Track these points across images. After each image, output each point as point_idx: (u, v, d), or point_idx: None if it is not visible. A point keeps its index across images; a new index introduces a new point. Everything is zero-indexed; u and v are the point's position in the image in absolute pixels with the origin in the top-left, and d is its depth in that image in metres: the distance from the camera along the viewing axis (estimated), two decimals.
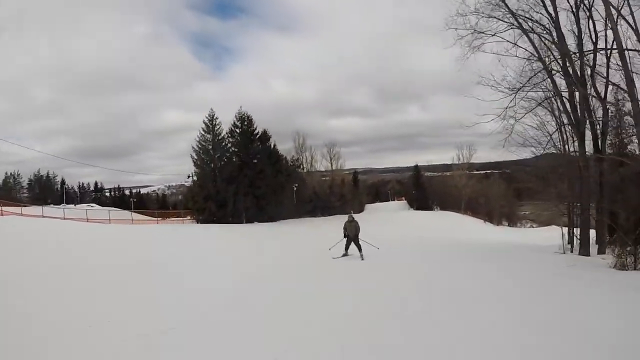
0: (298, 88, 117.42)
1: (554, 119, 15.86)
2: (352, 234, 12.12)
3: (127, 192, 64.98)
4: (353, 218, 12.64)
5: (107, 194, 64.26)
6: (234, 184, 33.77)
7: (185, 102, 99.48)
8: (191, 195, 36.08)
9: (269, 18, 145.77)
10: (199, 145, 35.62)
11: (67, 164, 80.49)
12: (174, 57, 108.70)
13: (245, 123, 37.06)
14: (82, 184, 62.36)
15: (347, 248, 12.18)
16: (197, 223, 33.38)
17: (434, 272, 9.60)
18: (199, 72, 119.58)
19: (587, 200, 13.71)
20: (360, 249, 12.00)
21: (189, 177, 37.17)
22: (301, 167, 44.74)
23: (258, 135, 37.45)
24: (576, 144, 14.59)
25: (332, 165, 49.95)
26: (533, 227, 50.42)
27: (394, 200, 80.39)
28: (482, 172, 63.21)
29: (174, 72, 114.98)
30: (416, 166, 66.16)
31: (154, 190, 74.84)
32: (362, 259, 11.65)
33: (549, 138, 15.77)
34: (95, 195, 62.55)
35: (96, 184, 63.32)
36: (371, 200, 72.36)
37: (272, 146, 38.10)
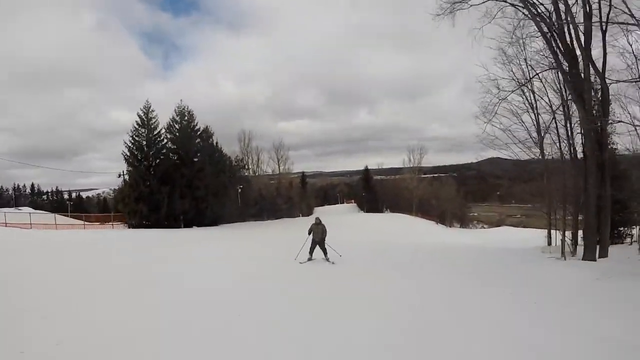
0: (247, 89, 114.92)
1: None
2: (317, 238, 11.61)
3: (66, 195, 59.54)
4: (320, 221, 11.90)
5: (45, 198, 58.41)
6: (170, 184, 30.46)
7: (132, 100, 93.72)
8: (121, 197, 32.03)
9: (220, 16, 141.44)
10: (132, 141, 31.69)
11: (5, 164, 71.62)
12: (122, 52, 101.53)
13: (186, 118, 33.86)
14: (18, 185, 56.25)
15: (311, 252, 11.65)
16: (129, 228, 29.78)
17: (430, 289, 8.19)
18: (148, 70, 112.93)
19: (591, 195, 12.13)
20: (325, 253, 11.59)
21: (119, 175, 32.97)
22: (247, 168, 42.17)
23: (199, 132, 34.40)
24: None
25: (279, 168, 47.98)
26: (484, 227, 51.87)
27: (343, 203, 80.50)
28: (431, 175, 64.80)
29: (122, 68, 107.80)
30: (366, 168, 66.35)
31: (98, 194, 70.07)
32: (332, 262, 11.22)
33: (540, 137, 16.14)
34: (32, 198, 57.05)
35: (33, 186, 57.31)
36: (320, 203, 71.51)
37: (214, 144, 35.24)
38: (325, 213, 60.48)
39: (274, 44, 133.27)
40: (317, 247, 11.60)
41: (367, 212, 59.59)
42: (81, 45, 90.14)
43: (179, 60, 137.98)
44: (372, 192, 63.56)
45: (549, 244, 16.27)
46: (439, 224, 47.91)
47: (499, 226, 52.18)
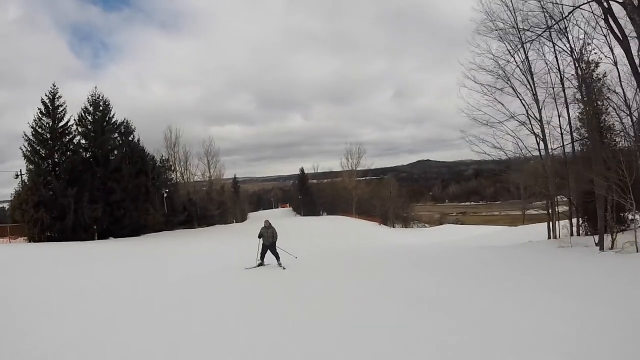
0: (178, 92, 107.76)
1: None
2: (268, 242, 11.20)
3: None
4: (270, 224, 11.44)
5: None
6: (78, 186, 25.31)
7: None
8: (18, 203, 25.86)
9: (153, 14, 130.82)
10: (34, 133, 25.77)
11: None
12: (48, 48, 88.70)
13: (101, 109, 28.74)
14: None
15: (262, 257, 11.25)
16: (30, 242, 24.20)
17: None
18: (74, 69, 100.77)
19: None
20: (278, 258, 11.19)
21: (16, 176, 26.88)
22: (173, 170, 37.60)
23: (116, 125, 29.50)
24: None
25: (209, 170, 43.72)
26: (425, 226, 52.55)
27: (277, 207, 78.14)
28: (363, 178, 64.80)
29: (46, 66, 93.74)
30: (302, 170, 64.43)
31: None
32: (284, 268, 10.82)
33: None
34: None
35: None
36: (254, 209, 68.43)
37: (135, 140, 30.57)
38: (261, 218, 57.58)
39: (207, 47, 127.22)
40: (268, 253, 11.11)
41: (304, 215, 57.93)
42: (4, 40, 76.49)
43: (107, 60, 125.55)
44: (308, 194, 62.00)
45: (553, 236, 15.42)
46: (382, 225, 47.50)
47: (441, 224, 53.52)
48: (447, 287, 7.54)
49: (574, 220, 15.29)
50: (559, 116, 15.29)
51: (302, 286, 8.36)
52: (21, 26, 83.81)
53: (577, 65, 13.78)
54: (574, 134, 14.91)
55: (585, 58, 13.48)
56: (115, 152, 28.70)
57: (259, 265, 11.15)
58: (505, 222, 54.38)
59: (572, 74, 14.31)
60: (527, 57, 15.45)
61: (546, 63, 15.24)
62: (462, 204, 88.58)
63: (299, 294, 7.55)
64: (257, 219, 55.05)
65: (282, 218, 54.70)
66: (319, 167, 64.74)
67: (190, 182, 39.80)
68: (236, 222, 50.03)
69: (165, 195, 32.39)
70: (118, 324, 5.65)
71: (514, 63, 15.63)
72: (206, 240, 24.95)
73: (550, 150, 15.64)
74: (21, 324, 5.71)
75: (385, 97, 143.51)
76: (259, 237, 11.31)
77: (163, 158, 35.81)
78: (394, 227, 50.20)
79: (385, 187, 55.30)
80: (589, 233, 14.02)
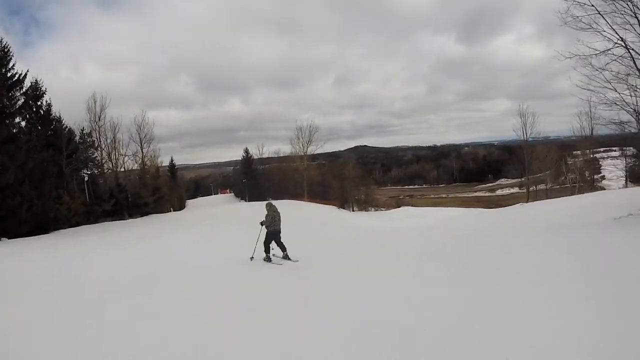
0: (114, 74, 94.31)
1: None
2: (277, 228, 8.94)
3: None
4: (275, 207, 9.06)
5: None
6: None
7: None
8: None
9: None
10: None
11: None
12: None
13: None
14: None
15: (268, 249, 8.96)
16: None
17: None
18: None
19: None
20: (284, 248, 9.00)
21: None
22: (98, 147, 29.28)
23: (18, 81, 21.07)
24: None
25: (142, 150, 35.27)
26: (382, 210, 49.70)
27: (217, 194, 71.08)
28: (316, 162, 60.26)
29: None
30: (246, 152, 57.50)
31: None
32: (297, 260, 8.71)
33: None
34: None
35: None
36: (191, 196, 60.69)
37: (46, 104, 22.40)
38: (200, 205, 50.74)
39: (148, 26, 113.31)
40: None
41: (249, 200, 51.91)
42: None
43: (38, 38, 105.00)
44: (253, 178, 55.89)
45: None
46: (340, 209, 43.42)
47: (399, 207, 51.16)
48: None
49: None
50: None
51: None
52: None
53: None
54: None
55: None
56: (13, 116, 20.47)
57: (268, 259, 8.91)
58: (456, 204, 54.29)
59: None
60: None
61: None
62: (406, 187, 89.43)
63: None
64: (196, 207, 48.47)
65: (223, 205, 48.71)
66: (264, 150, 58.07)
67: (119, 164, 31.64)
68: (174, 211, 42.77)
69: (86, 178, 24.60)
70: None
71: None
72: (142, 235, 18.68)
73: None
74: None
75: (328, 82, 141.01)
76: (263, 224, 9.04)
77: (84, 132, 27.39)
78: (353, 210, 46.64)
79: (343, 167, 51.20)
80: None
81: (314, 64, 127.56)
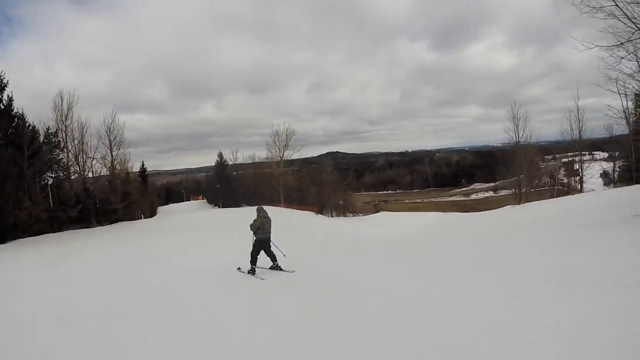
0: (86, 75, 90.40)
1: None
2: (266, 235, 8.17)
3: None
4: (266, 212, 8.36)
5: None
6: None
7: None
8: None
9: None
10: None
11: None
12: None
13: None
14: None
15: (255, 260, 8.16)
16: None
17: None
18: None
19: None
20: (275, 258, 8.27)
21: None
22: (64, 149, 27.08)
23: None
24: None
25: (112, 155, 32.99)
26: (360, 215, 49.27)
27: (190, 200, 68.61)
28: (292, 168, 59.12)
29: None
30: (220, 156, 55.75)
31: None
32: (293, 271, 7.96)
33: None
34: None
35: None
36: (163, 202, 58.17)
37: (7, 98, 20.43)
38: (172, 212, 48.48)
39: (123, 27, 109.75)
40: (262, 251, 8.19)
41: (223, 207, 50.14)
42: None
43: (9, 36, 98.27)
44: (228, 183, 54.10)
45: None
46: (319, 215, 42.57)
47: (377, 212, 50.85)
48: None
49: None
50: None
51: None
52: None
53: None
54: None
55: None
56: None
57: (253, 271, 8.13)
58: (432, 208, 54.81)
59: None
60: None
61: None
62: (380, 192, 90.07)
63: None
64: (168, 214, 46.26)
65: (196, 211, 46.77)
66: (238, 155, 56.38)
67: (87, 167, 29.43)
68: (145, 218, 40.58)
69: (50, 182, 22.60)
70: None
71: None
72: (110, 245, 17.09)
73: None
74: None
75: (303, 88, 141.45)
76: (253, 229, 8.22)
77: (50, 131, 25.17)
78: (332, 216, 45.93)
79: (320, 172, 50.41)
80: None
81: (290, 70, 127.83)
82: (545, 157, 43.44)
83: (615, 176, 35.65)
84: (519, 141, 33.47)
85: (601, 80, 10.49)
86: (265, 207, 8.80)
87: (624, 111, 22.29)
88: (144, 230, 24.83)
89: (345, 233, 26.08)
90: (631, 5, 9.27)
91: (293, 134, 46.70)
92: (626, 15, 9.35)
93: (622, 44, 9.67)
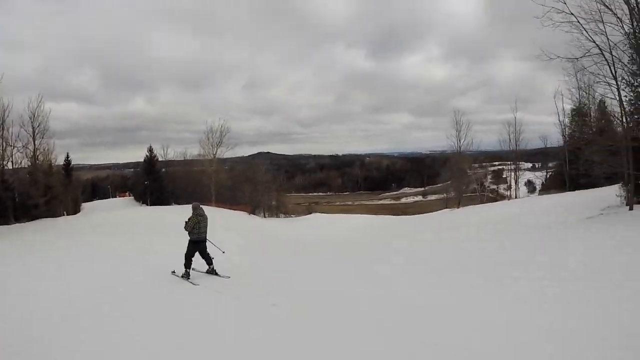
0: (12, 58, 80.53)
1: None
2: (202, 236, 7.80)
3: None
4: (201, 208, 8.07)
5: None
6: None
7: None
8: None
9: None
10: None
11: None
12: None
13: None
14: None
15: (190, 263, 7.75)
16: None
17: None
18: None
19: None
20: (210, 261, 7.92)
21: None
22: None
23: None
24: None
25: (35, 144, 31.77)
26: (292, 216, 50.87)
27: (116, 197, 65.64)
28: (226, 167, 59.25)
29: None
30: (150, 151, 52.45)
31: None
32: (228, 277, 7.60)
33: None
34: None
35: None
36: (87, 198, 55.32)
37: None
38: (97, 209, 46.06)
39: (54, 9, 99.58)
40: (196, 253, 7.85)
41: (151, 205, 48.90)
42: None
43: None
44: (157, 180, 52.66)
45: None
46: (252, 215, 43.85)
47: (310, 213, 52.75)
48: None
49: None
50: None
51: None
52: None
53: None
54: None
55: None
56: None
57: (187, 275, 7.67)
58: (364, 211, 57.95)
59: None
60: None
61: None
62: (311, 194, 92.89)
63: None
64: (92, 211, 43.89)
65: (124, 209, 43.87)
66: (169, 151, 54.45)
67: (6, 156, 28.27)
68: (67, 215, 38.82)
69: None
70: None
71: None
72: (30, 246, 15.74)
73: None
74: None
75: (237, 87, 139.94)
76: (189, 229, 7.76)
77: None
78: (264, 216, 47.58)
79: (254, 171, 51.41)
80: None
81: (224, 66, 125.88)
82: (473, 164, 45.06)
83: (540, 185, 40.04)
84: (460, 148, 36.11)
85: (535, 96, 12.60)
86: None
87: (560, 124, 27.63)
88: (66, 229, 22.68)
89: (282, 234, 26.69)
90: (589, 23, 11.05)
91: (228, 131, 46.92)
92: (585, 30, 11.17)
93: (577, 59, 11.56)
